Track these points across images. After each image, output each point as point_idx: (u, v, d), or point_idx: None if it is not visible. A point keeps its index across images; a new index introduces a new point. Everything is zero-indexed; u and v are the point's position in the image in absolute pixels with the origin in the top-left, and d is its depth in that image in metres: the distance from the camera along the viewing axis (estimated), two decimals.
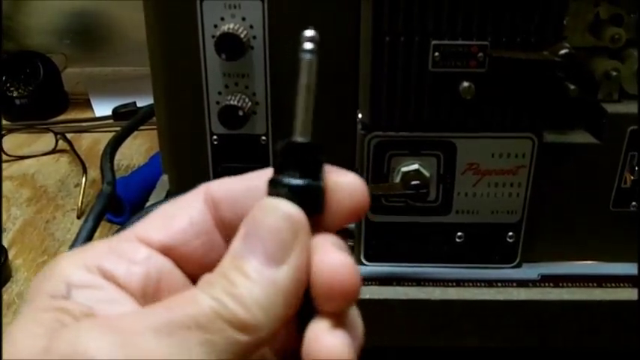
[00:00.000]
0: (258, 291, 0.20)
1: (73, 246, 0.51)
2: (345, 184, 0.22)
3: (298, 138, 0.21)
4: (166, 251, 0.23)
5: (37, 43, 1.03)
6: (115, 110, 0.86)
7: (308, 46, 0.21)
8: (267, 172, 0.22)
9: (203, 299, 0.19)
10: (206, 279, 0.21)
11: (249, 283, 0.20)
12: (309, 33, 0.21)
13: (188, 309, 0.19)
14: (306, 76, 0.21)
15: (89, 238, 0.51)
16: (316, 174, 0.21)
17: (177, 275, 0.23)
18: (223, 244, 0.23)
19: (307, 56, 0.21)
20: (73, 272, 0.22)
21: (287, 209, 0.21)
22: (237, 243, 0.21)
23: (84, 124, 0.89)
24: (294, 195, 0.21)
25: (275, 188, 0.21)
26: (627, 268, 0.47)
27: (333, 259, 0.21)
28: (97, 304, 0.21)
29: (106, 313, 0.20)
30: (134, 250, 0.23)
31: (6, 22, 1.02)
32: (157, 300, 0.22)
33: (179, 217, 0.23)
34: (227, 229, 0.23)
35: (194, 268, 0.23)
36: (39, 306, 0.21)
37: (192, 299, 0.20)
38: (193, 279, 0.23)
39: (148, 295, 0.22)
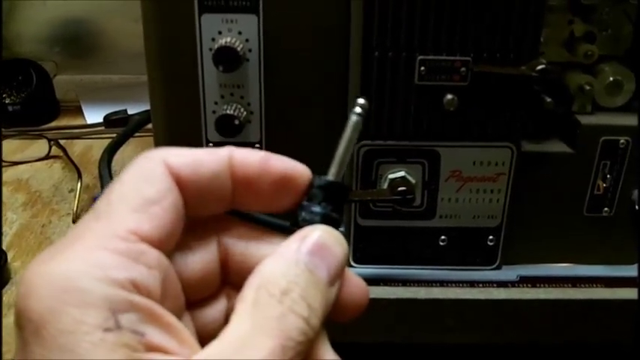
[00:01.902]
0: (323, 306, 0.22)
1: None
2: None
3: (332, 178, 0.25)
4: (160, 244, 0.22)
5: (27, 50, 1.04)
6: (106, 117, 0.88)
7: (358, 110, 0.26)
8: (223, 153, 0.24)
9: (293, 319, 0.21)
10: (277, 284, 0.21)
11: (321, 296, 0.22)
12: (361, 101, 0.26)
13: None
14: (350, 132, 0.26)
15: None
16: (341, 209, 0.25)
17: (170, 267, 0.23)
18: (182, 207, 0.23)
19: (355, 117, 0.26)
20: (110, 292, 0.19)
21: (344, 242, 0.24)
22: (307, 258, 0.22)
23: (76, 130, 0.90)
24: (325, 223, 0.24)
25: (309, 213, 0.25)
26: (599, 270, 0.51)
27: (360, 281, 0.25)
28: (146, 329, 0.20)
29: (157, 341, 0.20)
30: (142, 251, 0.21)
31: None
32: (170, 300, 0.22)
33: (157, 202, 0.22)
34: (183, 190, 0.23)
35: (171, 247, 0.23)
36: (97, 346, 0.18)
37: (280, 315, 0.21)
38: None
39: (163, 297, 0.21)
